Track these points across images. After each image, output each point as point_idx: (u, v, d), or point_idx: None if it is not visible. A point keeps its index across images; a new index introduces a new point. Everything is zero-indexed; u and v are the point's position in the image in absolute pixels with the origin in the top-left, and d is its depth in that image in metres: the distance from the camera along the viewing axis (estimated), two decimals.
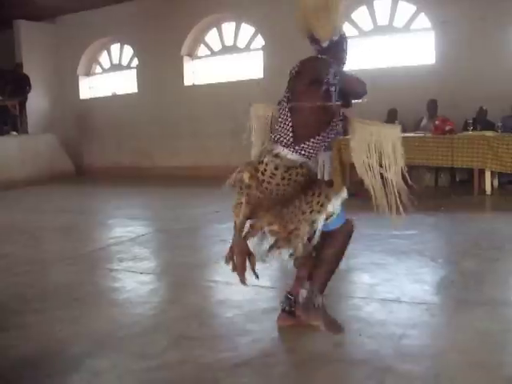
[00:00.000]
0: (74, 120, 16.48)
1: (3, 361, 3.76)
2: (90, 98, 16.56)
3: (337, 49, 3.70)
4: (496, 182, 9.55)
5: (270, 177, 3.54)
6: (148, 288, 5.21)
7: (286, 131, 3.60)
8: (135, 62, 15.33)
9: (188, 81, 14.31)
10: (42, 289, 5.31)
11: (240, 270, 3.72)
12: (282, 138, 3.60)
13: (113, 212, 9.15)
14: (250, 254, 3.72)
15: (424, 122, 10.67)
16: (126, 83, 15.61)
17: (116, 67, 16.10)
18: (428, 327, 3.96)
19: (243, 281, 3.74)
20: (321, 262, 3.84)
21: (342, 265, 5.45)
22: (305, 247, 3.63)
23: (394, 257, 5.70)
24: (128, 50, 15.59)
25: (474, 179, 9.30)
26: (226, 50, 13.93)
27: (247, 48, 13.60)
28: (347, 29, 12.40)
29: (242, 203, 3.62)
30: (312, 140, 3.57)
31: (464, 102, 10.38)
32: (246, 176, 3.56)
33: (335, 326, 3.87)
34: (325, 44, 3.65)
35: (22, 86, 15.47)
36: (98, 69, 16.74)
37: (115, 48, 16.11)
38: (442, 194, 9.55)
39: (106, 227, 8.25)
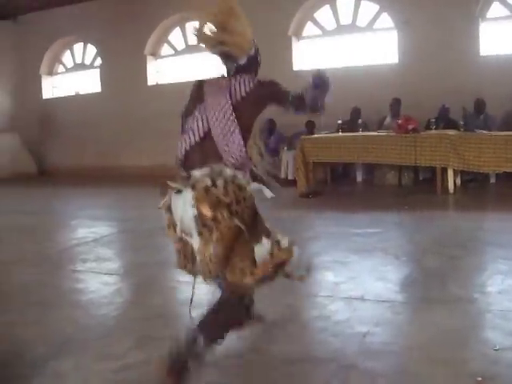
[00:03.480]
0: (36, 119, 16.28)
1: None
2: (53, 98, 16.39)
3: (255, 62, 3.50)
4: (459, 181, 9.66)
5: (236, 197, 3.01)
6: (112, 289, 5.17)
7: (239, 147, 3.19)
8: (98, 61, 15.22)
9: (152, 80, 14.24)
10: (3, 290, 5.24)
11: None
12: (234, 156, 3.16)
13: (76, 213, 9.06)
14: None
15: (387, 120, 10.75)
16: (89, 83, 15.48)
17: (79, 66, 15.94)
18: (392, 325, 3.99)
19: None
20: None
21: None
22: None
23: (358, 255, 5.73)
24: (91, 50, 15.46)
25: (437, 178, 9.39)
26: (189, 49, 13.86)
27: None
28: (310, 28, 12.47)
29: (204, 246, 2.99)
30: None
31: (427, 101, 10.48)
32: (203, 209, 2.94)
33: None
34: (243, 61, 3.38)
35: None
36: (60, 68, 16.57)
37: (78, 47, 15.95)
38: (406, 192, 9.63)
39: (68, 228, 8.17)
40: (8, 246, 7.46)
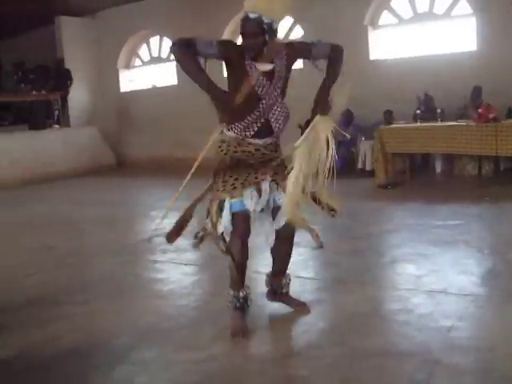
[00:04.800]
0: (114, 113, 16.59)
1: (50, 352, 3.82)
2: (130, 91, 16.63)
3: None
4: None
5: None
6: (192, 279, 5.24)
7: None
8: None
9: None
10: (86, 280, 5.38)
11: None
12: None
13: (155, 203, 9.18)
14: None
15: (467, 109, 10.48)
16: (165, 75, 15.66)
17: (155, 60, 16.15)
18: (476, 319, 3.91)
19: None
20: None
21: (387, 256, 5.46)
22: None
23: (439, 247, 5.62)
24: (167, 43, 15.62)
25: None
26: None
27: (286, 39, 13.50)
28: (387, 17, 12.27)
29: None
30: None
31: (507, 89, 10.16)
32: None
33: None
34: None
35: (63, 80, 15.67)
36: (137, 62, 16.83)
37: (155, 40, 16.15)
38: (486, 183, 9.39)
39: (148, 219, 8.28)
40: (89, 237, 7.66)
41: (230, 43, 3.90)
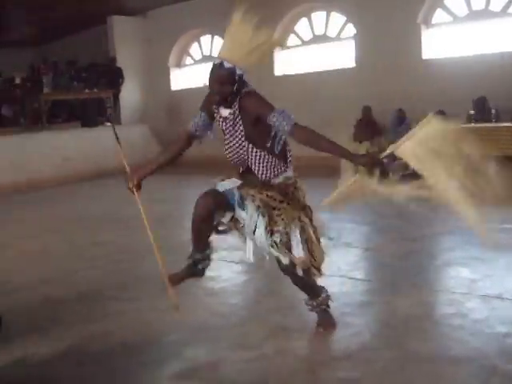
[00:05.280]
0: (165, 111, 16.71)
1: (99, 347, 3.87)
2: (181, 89, 16.74)
3: None
4: None
5: None
6: (243, 278, 5.25)
7: None
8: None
9: (278, 71, 14.27)
10: (138, 277, 5.42)
11: None
12: None
13: None
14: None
15: None
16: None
17: (207, 58, 16.22)
18: None
19: None
20: None
21: (440, 259, 5.38)
22: None
23: (495, 251, 5.49)
24: (219, 41, 15.68)
25: None
26: (316, 39, 13.82)
27: (338, 37, 13.45)
28: (440, 15, 12.07)
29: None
30: None
31: None
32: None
33: None
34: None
35: (115, 78, 15.89)
36: (188, 60, 16.93)
37: (206, 39, 16.24)
38: None
39: None
40: (140, 234, 7.69)
41: (205, 101, 3.90)
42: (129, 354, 3.74)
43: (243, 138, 3.62)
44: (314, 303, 3.91)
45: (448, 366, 3.26)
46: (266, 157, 3.62)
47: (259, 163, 3.64)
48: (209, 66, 3.78)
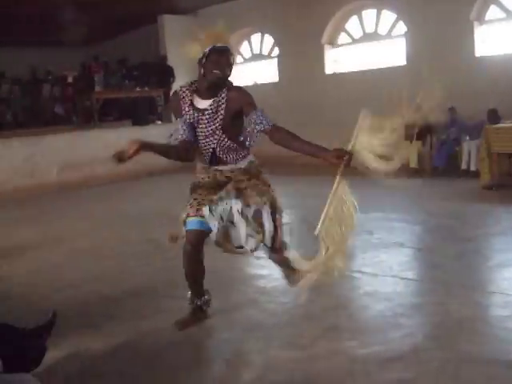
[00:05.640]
0: None
1: (152, 344, 3.93)
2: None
3: None
4: None
5: None
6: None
7: None
8: (276, 51, 15.43)
9: (329, 69, 14.24)
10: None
11: None
12: None
13: None
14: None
15: None
16: (266, 72, 15.74)
17: (257, 57, 16.26)
18: None
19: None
20: None
21: (493, 260, 5.31)
22: None
23: None
24: (269, 40, 15.72)
25: None
26: (367, 37, 13.73)
27: (389, 35, 13.35)
28: (494, 11, 11.85)
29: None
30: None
31: None
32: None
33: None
34: None
35: (166, 77, 16.02)
36: (239, 59, 16.98)
37: (256, 38, 16.28)
38: None
39: None
40: None
41: (172, 102, 4.15)
42: (179, 352, 3.79)
43: (220, 127, 3.83)
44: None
45: (505, 369, 3.21)
46: (232, 145, 3.89)
47: (227, 151, 3.91)
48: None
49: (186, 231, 3.95)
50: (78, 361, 3.78)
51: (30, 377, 2.40)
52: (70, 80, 16.07)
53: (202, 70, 3.84)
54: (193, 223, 3.89)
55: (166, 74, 16.02)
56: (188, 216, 3.92)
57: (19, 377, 2.40)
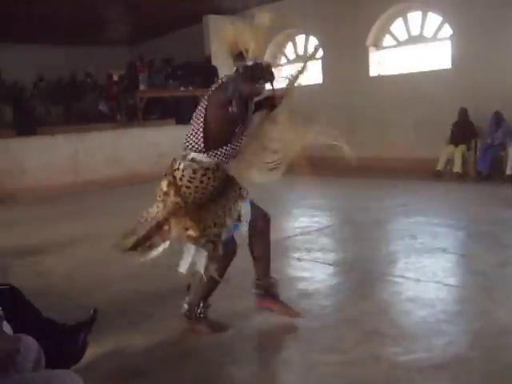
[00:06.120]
0: None
1: (191, 342, 3.98)
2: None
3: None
4: None
5: (189, 181, 3.81)
6: (337, 280, 5.25)
7: (198, 139, 3.95)
8: (320, 52, 15.37)
9: (373, 71, 14.15)
10: (226, 274, 5.47)
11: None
12: (195, 145, 3.93)
13: (298, 201, 9.27)
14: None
15: None
16: (310, 74, 15.68)
17: (300, 58, 16.20)
18: None
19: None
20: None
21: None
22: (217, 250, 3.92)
23: None
24: (313, 41, 15.68)
25: None
26: (412, 39, 13.62)
27: (434, 38, 13.22)
28: None
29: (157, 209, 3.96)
30: (223, 148, 3.90)
31: None
32: (163, 184, 3.88)
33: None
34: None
35: (210, 77, 16.04)
36: (283, 60, 16.99)
37: (300, 39, 16.26)
38: None
39: (292, 216, 8.35)
40: None
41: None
42: (219, 351, 3.81)
43: None
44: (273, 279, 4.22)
45: None
46: None
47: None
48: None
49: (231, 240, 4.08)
50: (117, 358, 3.83)
51: (72, 373, 2.43)
52: (115, 78, 16.23)
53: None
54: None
55: (210, 74, 16.06)
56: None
57: (61, 373, 2.43)
